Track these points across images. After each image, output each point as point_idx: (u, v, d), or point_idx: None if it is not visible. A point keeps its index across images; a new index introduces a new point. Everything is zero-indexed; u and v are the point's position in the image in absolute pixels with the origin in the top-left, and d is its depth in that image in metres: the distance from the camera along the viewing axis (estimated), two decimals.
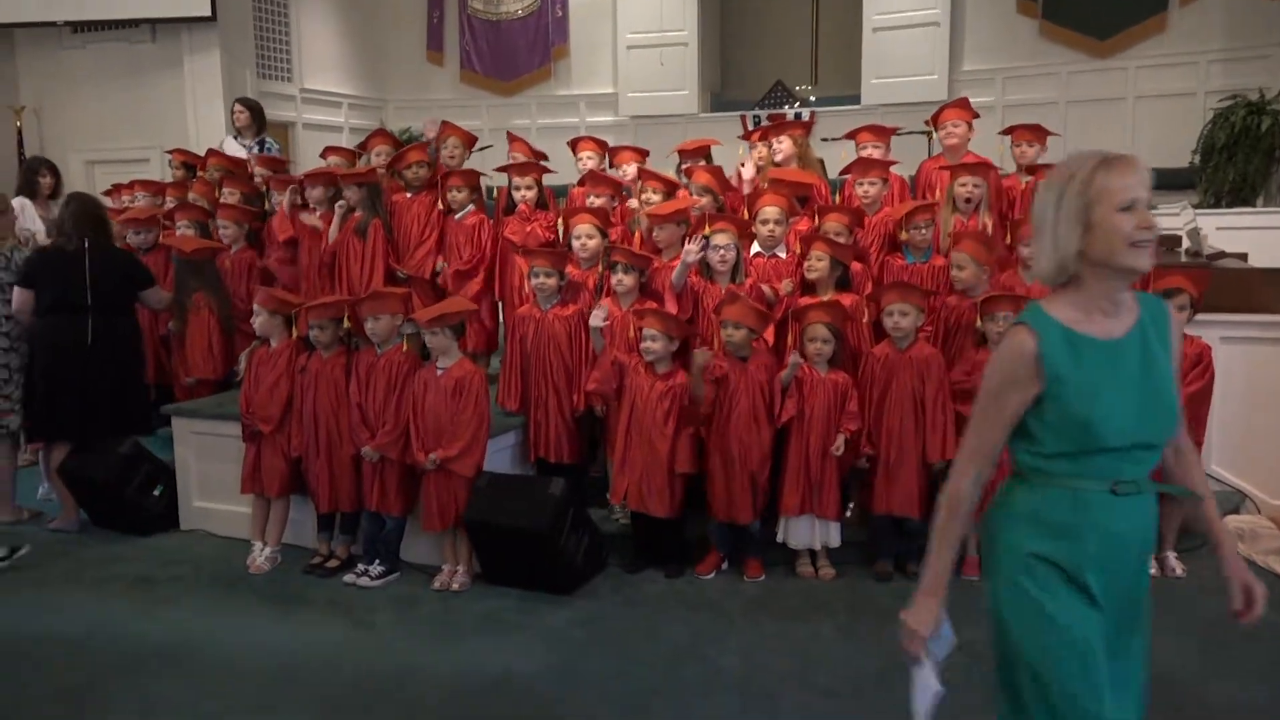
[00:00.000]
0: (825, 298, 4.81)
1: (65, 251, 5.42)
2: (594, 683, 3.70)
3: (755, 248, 5.17)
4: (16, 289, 5.49)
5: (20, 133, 10.90)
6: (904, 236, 5.11)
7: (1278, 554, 4.81)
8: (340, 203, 5.72)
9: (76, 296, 5.35)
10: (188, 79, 10.73)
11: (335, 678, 3.78)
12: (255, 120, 8.08)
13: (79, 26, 10.79)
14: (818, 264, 4.86)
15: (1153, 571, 4.50)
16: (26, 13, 10.49)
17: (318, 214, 5.88)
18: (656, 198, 5.46)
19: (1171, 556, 4.70)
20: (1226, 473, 5.32)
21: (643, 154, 6.19)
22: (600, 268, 5.07)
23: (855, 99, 11.60)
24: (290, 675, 3.80)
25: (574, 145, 6.34)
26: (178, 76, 10.75)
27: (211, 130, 10.31)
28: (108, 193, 7.24)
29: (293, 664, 3.91)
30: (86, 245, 5.41)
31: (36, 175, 7.44)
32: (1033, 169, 5.50)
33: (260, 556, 4.97)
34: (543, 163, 5.91)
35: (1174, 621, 4.15)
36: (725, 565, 4.80)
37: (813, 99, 12.21)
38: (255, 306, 4.97)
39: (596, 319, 4.80)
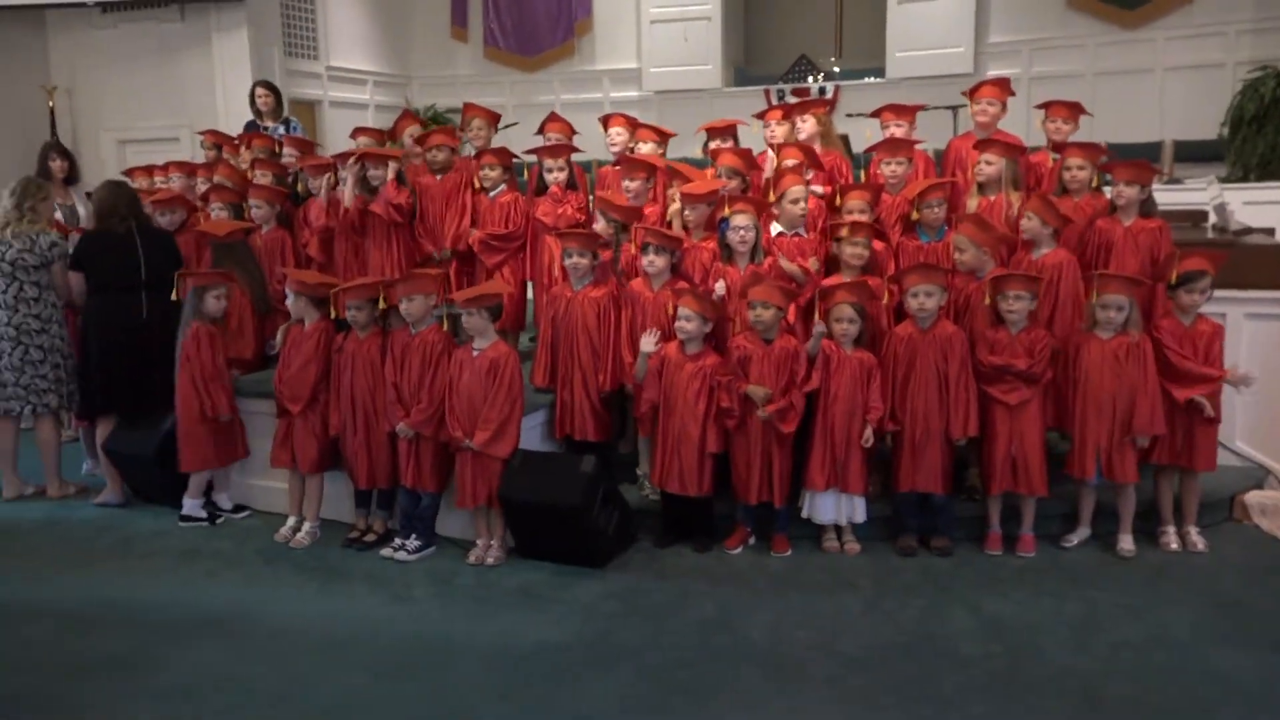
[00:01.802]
0: (849, 279, 4.86)
1: (115, 233, 5.60)
2: (626, 653, 3.83)
3: (776, 227, 5.23)
4: (71, 272, 5.71)
5: (53, 112, 11.06)
6: (916, 215, 5.14)
7: None
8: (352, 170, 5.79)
9: (130, 276, 5.55)
10: (216, 58, 10.85)
11: (377, 646, 3.93)
12: (279, 103, 8.20)
13: (108, 7, 10.92)
14: (865, 250, 4.91)
15: (1174, 546, 4.65)
16: None
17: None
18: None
19: (1194, 531, 4.76)
20: (1250, 448, 5.35)
21: (663, 134, 6.19)
22: (627, 247, 5.15)
23: (880, 72, 11.59)
24: (334, 643, 3.96)
25: (605, 122, 6.39)
26: (206, 56, 10.88)
27: (240, 108, 10.34)
28: (128, 172, 7.36)
29: (336, 632, 4.06)
30: (135, 226, 5.62)
31: (48, 160, 7.54)
32: (1060, 146, 5.50)
33: (301, 531, 5.13)
34: (572, 140, 5.96)
35: (1194, 594, 4.24)
36: (752, 541, 4.91)
37: (836, 71, 12.18)
38: (288, 288, 5.09)
39: (647, 345, 4.85)
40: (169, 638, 4.01)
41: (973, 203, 5.36)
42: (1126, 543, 4.69)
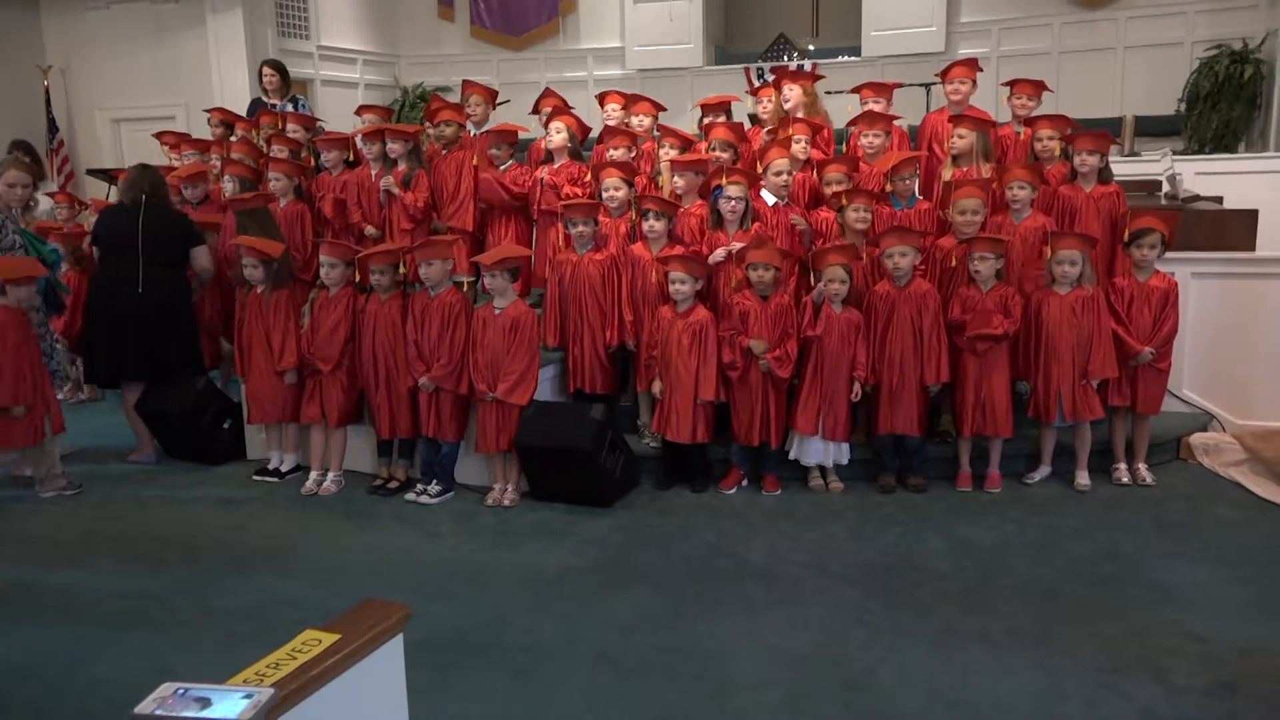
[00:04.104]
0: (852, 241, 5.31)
1: (124, 207, 5.96)
2: (639, 573, 4.30)
3: (770, 197, 5.65)
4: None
5: (48, 92, 11.29)
6: (889, 187, 5.59)
7: (1238, 466, 5.40)
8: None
9: (128, 247, 5.85)
10: (211, 38, 11.07)
11: (417, 571, 4.38)
12: (285, 81, 8.53)
13: None
14: (867, 214, 5.35)
15: (1125, 480, 5.17)
16: None
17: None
18: (674, 152, 5.96)
19: (1143, 468, 5.29)
20: (1196, 395, 5.88)
21: (659, 108, 6.63)
22: (632, 214, 5.57)
23: (856, 51, 12.00)
24: (376, 570, 4.41)
25: (601, 99, 6.79)
26: (201, 36, 11.10)
27: (235, 88, 10.73)
28: (159, 135, 7.80)
29: (378, 561, 4.52)
30: (144, 201, 5.92)
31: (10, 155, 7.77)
32: (1029, 121, 5.97)
33: (327, 480, 5.54)
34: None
35: (1142, 519, 4.76)
36: (745, 482, 5.37)
37: (813, 50, 12.59)
38: (323, 258, 5.47)
39: (718, 256, 5.28)
40: (229, 567, 4.45)
41: (947, 173, 5.83)
42: (1083, 478, 5.20)
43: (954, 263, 5.24)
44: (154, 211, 5.95)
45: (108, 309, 5.87)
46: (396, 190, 6.14)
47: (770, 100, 6.48)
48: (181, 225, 6.11)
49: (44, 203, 7.44)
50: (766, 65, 12.37)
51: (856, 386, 5.14)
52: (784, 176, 5.60)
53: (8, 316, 5.26)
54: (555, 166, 6.15)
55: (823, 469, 5.33)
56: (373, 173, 6.30)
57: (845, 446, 5.27)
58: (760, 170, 5.67)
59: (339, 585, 4.21)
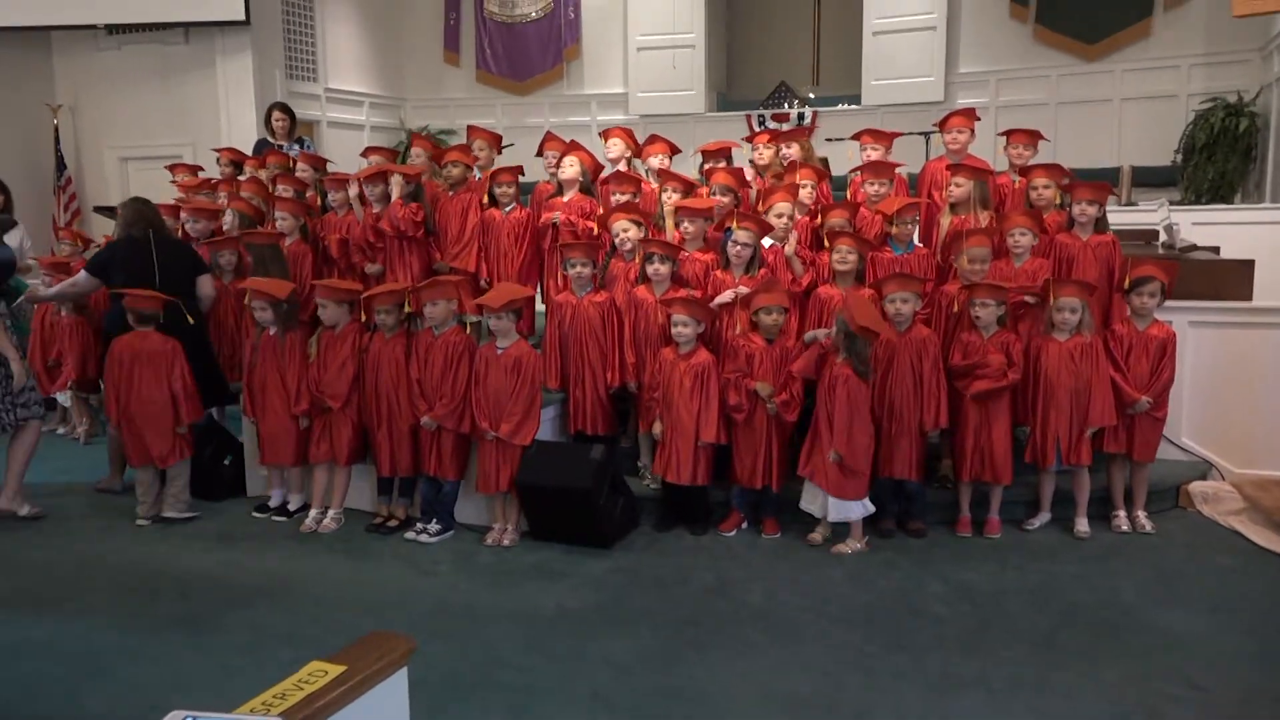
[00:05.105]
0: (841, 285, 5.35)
1: (135, 241, 6.01)
2: (638, 615, 4.29)
3: (767, 240, 5.71)
4: (85, 274, 6.10)
5: (57, 130, 11.42)
6: (893, 230, 5.65)
7: (1238, 515, 5.40)
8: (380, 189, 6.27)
9: (146, 280, 5.90)
10: (220, 79, 11.23)
11: (413, 609, 4.37)
12: (293, 124, 8.65)
13: (114, 29, 11.28)
14: (850, 256, 5.39)
15: (1125, 528, 5.17)
16: (66, 15, 10.98)
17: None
18: (676, 195, 6.03)
19: (1142, 515, 5.28)
20: (1195, 444, 5.88)
21: (673, 148, 6.71)
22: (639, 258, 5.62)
23: (856, 99, 12.18)
24: (373, 606, 4.40)
25: (605, 135, 6.88)
26: (210, 77, 11.26)
27: (243, 128, 10.85)
28: (171, 168, 7.91)
29: (374, 598, 4.51)
30: (152, 235, 6.00)
31: None
32: (1024, 170, 6.05)
33: (327, 517, 5.54)
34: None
35: (1141, 567, 4.75)
36: (745, 525, 5.37)
37: (813, 98, 12.77)
38: (319, 299, 5.51)
39: (725, 298, 5.31)
40: (226, 603, 4.43)
41: (945, 220, 5.89)
42: (1082, 525, 5.20)
43: (956, 308, 5.28)
44: (164, 243, 6.07)
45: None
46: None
47: (766, 148, 6.57)
48: (189, 254, 6.23)
49: (14, 237, 7.38)
50: (768, 113, 12.55)
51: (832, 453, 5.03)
52: (784, 220, 5.66)
53: None
54: (566, 199, 6.22)
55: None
56: (374, 213, 6.35)
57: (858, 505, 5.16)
58: (763, 211, 5.74)
59: (336, 622, 4.19)
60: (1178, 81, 10.83)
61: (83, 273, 6.18)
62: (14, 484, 5.68)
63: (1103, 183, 5.74)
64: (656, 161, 6.50)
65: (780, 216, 5.66)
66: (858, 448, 4.94)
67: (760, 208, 5.82)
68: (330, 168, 7.69)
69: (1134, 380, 5.16)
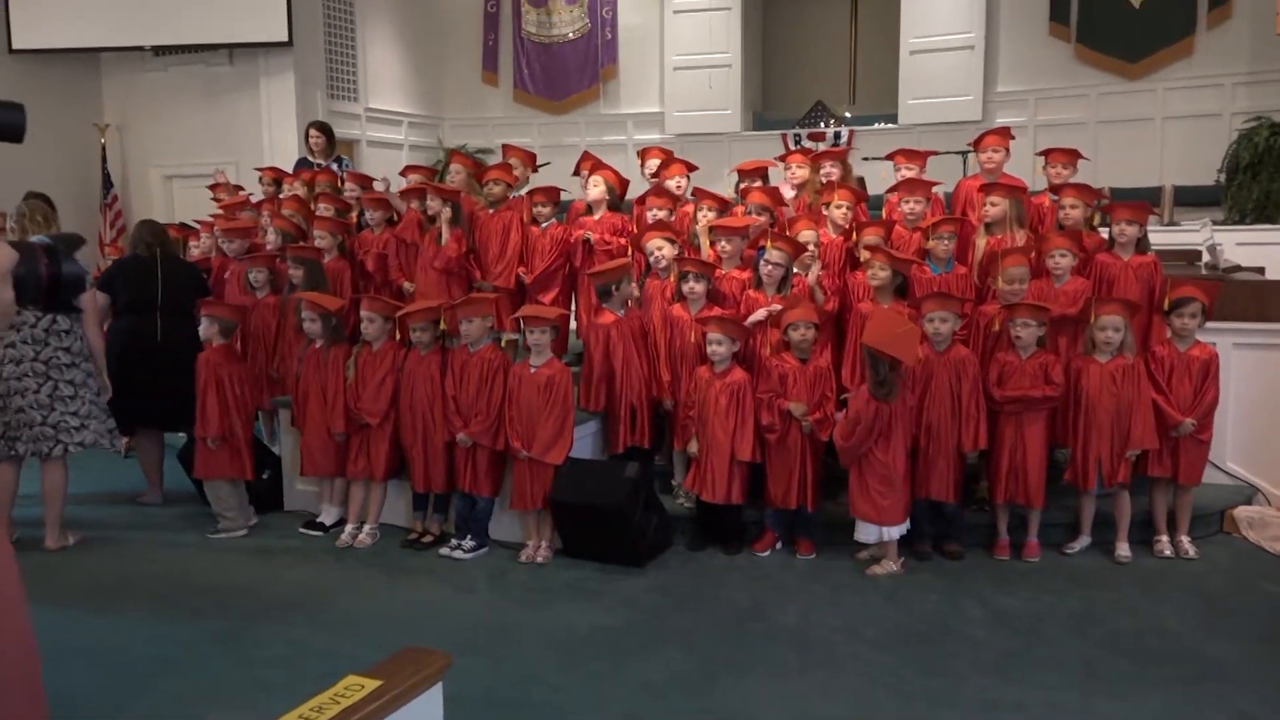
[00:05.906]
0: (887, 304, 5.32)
1: (140, 259, 6.20)
2: (671, 635, 4.26)
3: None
4: (98, 291, 6.09)
5: (104, 149, 11.68)
6: (930, 245, 5.61)
7: None
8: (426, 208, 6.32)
9: (148, 299, 6.09)
10: (264, 99, 11.42)
11: (447, 626, 4.38)
12: (330, 143, 8.77)
13: (161, 50, 11.53)
14: (880, 273, 5.37)
15: (1167, 553, 5.08)
16: (115, 37, 11.23)
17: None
18: (712, 214, 6.04)
19: (1186, 540, 5.19)
20: (1239, 468, 5.78)
21: (689, 167, 6.73)
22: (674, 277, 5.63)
23: (893, 118, 12.13)
24: (407, 623, 4.41)
25: (642, 155, 6.91)
26: (254, 97, 11.45)
27: (285, 147, 11.01)
28: (213, 187, 8.18)
29: (410, 616, 4.52)
30: (159, 255, 6.19)
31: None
32: (1059, 189, 5.99)
33: (362, 532, 5.57)
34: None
35: (1185, 593, 4.66)
36: (779, 545, 5.34)
37: (849, 117, 12.74)
38: (363, 312, 5.57)
39: (758, 316, 5.34)
40: (262, 617, 4.47)
41: (981, 241, 5.84)
42: (1124, 550, 5.11)
43: (996, 327, 5.22)
44: (170, 263, 6.24)
45: (128, 358, 6.01)
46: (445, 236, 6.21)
47: (800, 167, 6.56)
48: (195, 276, 6.40)
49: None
50: (804, 132, 12.54)
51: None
52: (810, 248, 5.63)
53: None
54: (596, 218, 6.26)
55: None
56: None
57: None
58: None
59: (371, 638, 4.20)
60: (1221, 100, 10.68)
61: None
62: (55, 525, 5.50)
63: (1142, 202, 5.67)
64: (673, 184, 6.49)
65: (805, 244, 5.65)
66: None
67: (788, 232, 5.82)
68: (382, 185, 7.72)
69: (1177, 402, 5.09)
